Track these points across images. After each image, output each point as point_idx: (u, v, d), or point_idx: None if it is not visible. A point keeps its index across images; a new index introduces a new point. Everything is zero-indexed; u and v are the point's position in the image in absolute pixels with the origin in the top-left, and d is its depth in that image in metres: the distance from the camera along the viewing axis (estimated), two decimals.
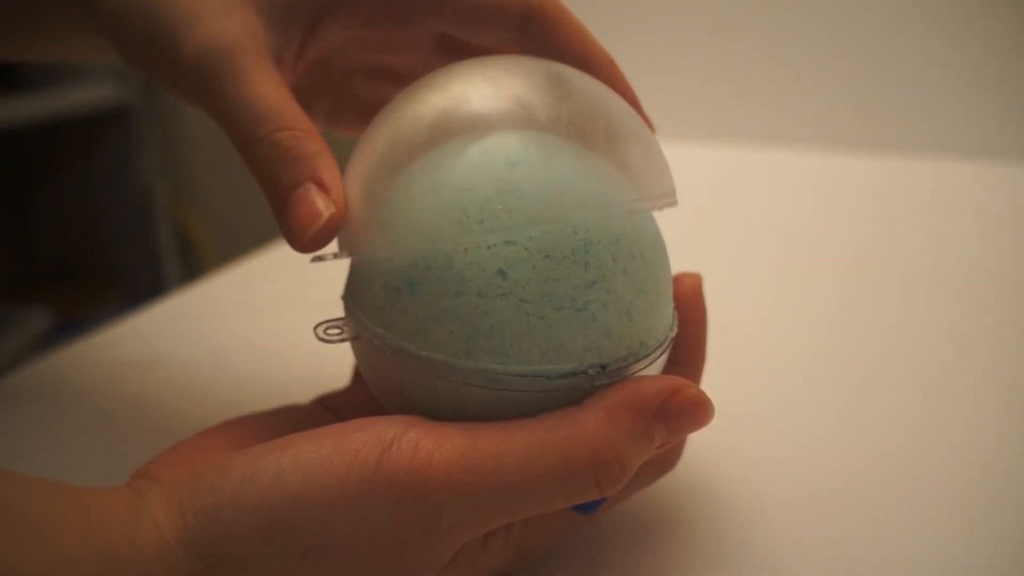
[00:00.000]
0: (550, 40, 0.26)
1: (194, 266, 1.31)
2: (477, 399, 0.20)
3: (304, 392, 0.35)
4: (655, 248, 0.22)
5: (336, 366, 0.35)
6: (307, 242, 0.22)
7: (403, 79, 0.29)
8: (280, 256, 0.53)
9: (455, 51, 0.28)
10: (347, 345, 0.23)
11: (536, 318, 0.20)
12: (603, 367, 0.20)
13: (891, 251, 0.53)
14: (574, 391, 0.20)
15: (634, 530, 0.26)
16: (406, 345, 0.21)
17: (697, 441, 0.27)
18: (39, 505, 0.19)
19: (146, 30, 0.25)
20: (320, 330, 0.22)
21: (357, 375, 0.29)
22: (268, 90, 0.23)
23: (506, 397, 0.20)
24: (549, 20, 0.26)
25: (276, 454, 0.19)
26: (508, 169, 0.21)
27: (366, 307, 0.22)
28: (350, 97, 0.31)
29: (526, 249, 0.20)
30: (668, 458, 0.24)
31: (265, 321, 0.44)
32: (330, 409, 0.26)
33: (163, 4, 0.25)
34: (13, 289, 1.29)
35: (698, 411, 0.20)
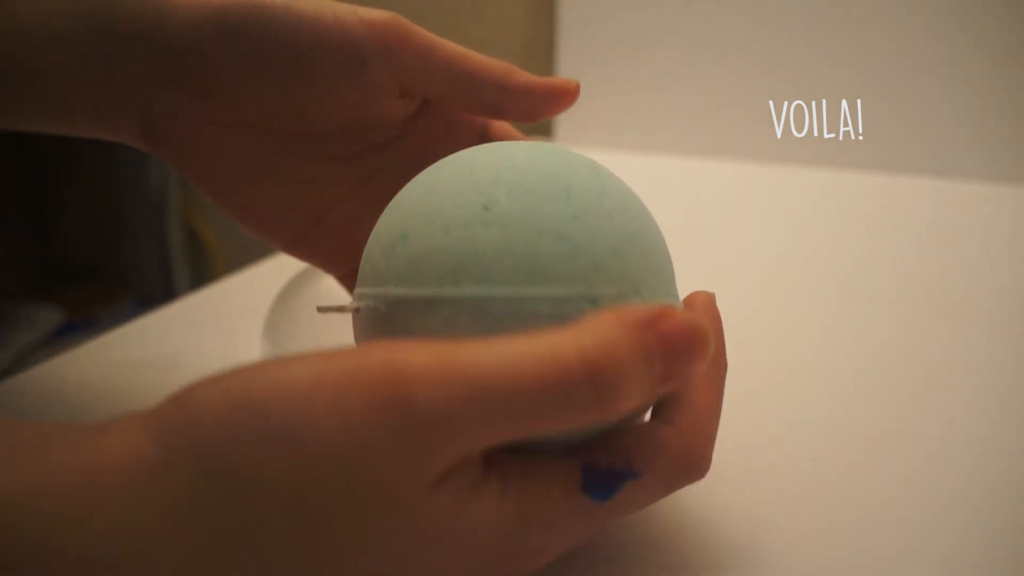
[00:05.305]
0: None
1: (204, 270, 1.32)
2: (466, 333, 0.21)
3: None
4: (651, 228, 0.23)
5: None
6: None
7: None
8: (290, 261, 0.54)
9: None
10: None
11: (519, 243, 0.21)
12: (593, 301, 0.21)
13: (895, 269, 0.53)
14: (564, 323, 0.20)
15: (648, 541, 0.26)
16: (398, 291, 0.21)
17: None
18: (14, 431, 0.18)
19: None
20: (322, 305, 0.24)
21: None
22: None
23: (495, 329, 0.20)
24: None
25: (255, 365, 0.19)
26: (502, 148, 0.23)
27: (366, 277, 0.23)
28: None
29: (511, 191, 0.21)
30: (692, 465, 0.22)
31: (276, 324, 0.44)
32: None
33: None
34: (25, 287, 1.30)
35: (694, 334, 0.18)
